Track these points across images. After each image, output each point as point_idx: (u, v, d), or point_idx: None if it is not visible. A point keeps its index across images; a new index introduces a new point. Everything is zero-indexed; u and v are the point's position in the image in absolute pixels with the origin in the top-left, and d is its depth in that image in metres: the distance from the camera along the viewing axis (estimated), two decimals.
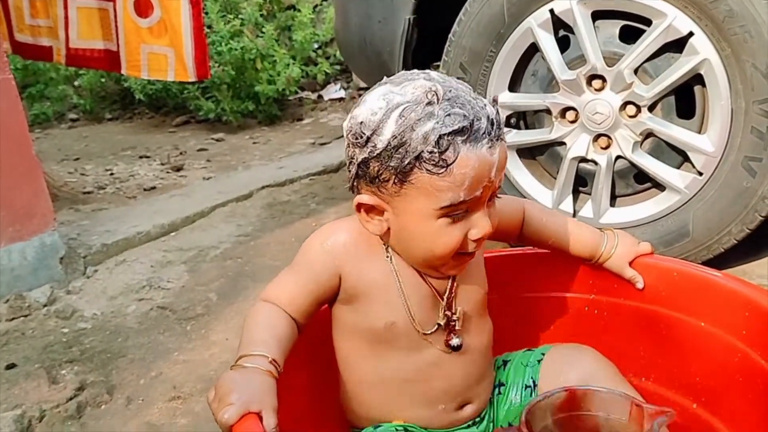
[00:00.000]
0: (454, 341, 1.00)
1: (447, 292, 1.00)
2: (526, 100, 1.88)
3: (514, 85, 1.90)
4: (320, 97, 4.90)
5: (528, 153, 1.94)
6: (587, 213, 1.85)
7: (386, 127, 0.85)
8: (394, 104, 0.86)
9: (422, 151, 0.84)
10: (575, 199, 1.90)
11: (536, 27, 1.80)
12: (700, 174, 1.69)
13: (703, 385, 1.15)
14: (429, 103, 0.85)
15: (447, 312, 1.00)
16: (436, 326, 1.00)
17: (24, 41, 2.87)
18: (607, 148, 1.81)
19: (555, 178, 1.89)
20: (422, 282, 0.98)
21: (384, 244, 0.98)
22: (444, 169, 0.85)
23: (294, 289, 0.99)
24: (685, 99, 1.72)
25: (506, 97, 1.88)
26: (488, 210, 0.93)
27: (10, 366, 1.73)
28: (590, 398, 1.00)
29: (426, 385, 1.02)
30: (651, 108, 1.72)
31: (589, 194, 1.87)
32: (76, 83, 4.94)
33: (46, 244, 2.11)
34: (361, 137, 0.87)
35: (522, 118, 1.95)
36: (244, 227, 2.58)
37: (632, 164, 1.79)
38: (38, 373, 1.67)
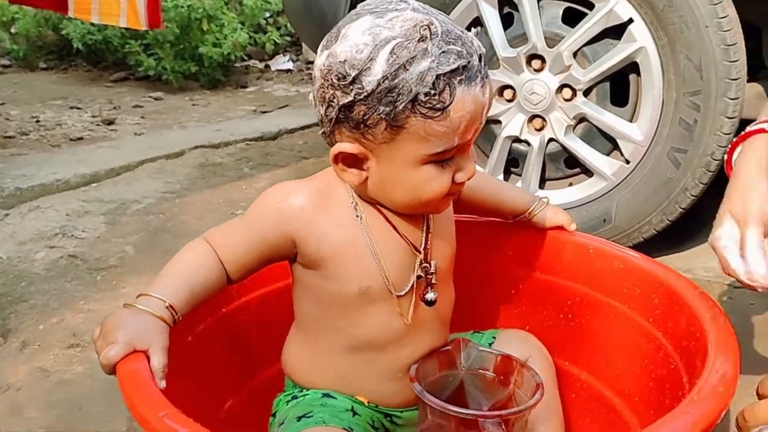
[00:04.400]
0: (430, 295, 0.94)
1: (423, 244, 0.94)
2: None
3: None
4: (267, 66, 4.82)
5: None
6: None
7: (375, 66, 0.76)
8: (382, 39, 0.77)
9: (418, 93, 0.77)
10: (506, 179, 1.89)
11: (481, 1, 1.78)
12: (628, 162, 1.70)
13: (608, 363, 1.15)
14: (422, 39, 0.76)
15: (425, 264, 0.94)
16: (412, 282, 0.93)
17: None
18: (541, 129, 1.81)
19: (488, 156, 1.88)
20: (396, 236, 0.92)
21: (353, 202, 0.91)
22: (440, 112, 0.78)
23: (238, 241, 0.92)
24: (621, 86, 1.73)
25: None
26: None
27: None
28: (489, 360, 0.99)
29: (394, 355, 0.96)
30: (586, 93, 1.73)
31: (520, 175, 1.87)
32: (12, 30, 4.73)
33: None
34: (345, 78, 0.78)
35: None
36: (172, 184, 2.50)
37: (564, 148, 1.79)
38: None
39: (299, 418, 0.93)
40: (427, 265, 0.94)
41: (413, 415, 1.00)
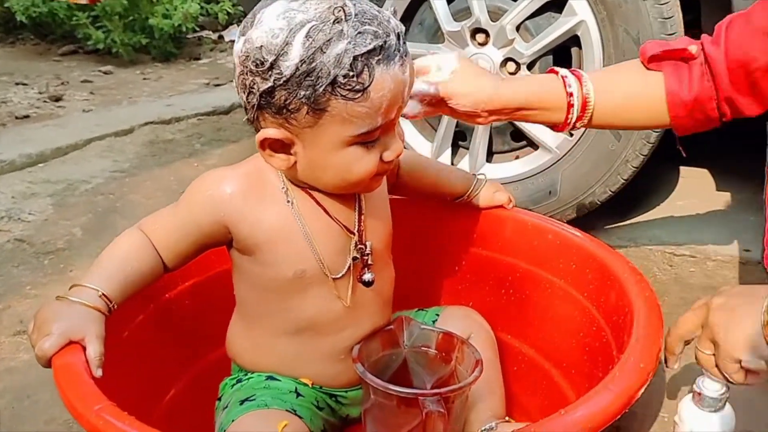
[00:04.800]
0: (367, 276, 0.96)
1: (356, 226, 0.94)
2: (412, 49, 1.83)
3: None
4: (221, 37, 4.73)
5: None
6: (465, 167, 1.86)
7: (292, 50, 0.76)
8: (297, 23, 0.76)
9: (336, 76, 0.76)
10: (454, 152, 1.91)
11: None
12: (571, 135, 1.72)
13: (547, 336, 1.18)
14: (337, 21, 0.76)
15: (360, 246, 0.95)
16: (348, 264, 0.94)
17: None
18: None
19: (436, 131, 1.89)
20: (329, 220, 0.92)
21: (283, 187, 0.91)
22: (361, 93, 0.78)
23: (172, 228, 0.92)
24: (563, 60, 1.75)
25: None
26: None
27: None
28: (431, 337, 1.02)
29: (335, 337, 0.97)
30: (530, 66, 1.74)
31: (468, 149, 1.88)
32: None
33: None
34: (263, 64, 0.77)
35: None
36: (121, 163, 2.46)
37: (509, 121, 1.80)
38: None
39: (242, 402, 0.94)
40: (363, 246, 0.95)
41: (358, 394, 1.02)
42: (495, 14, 1.73)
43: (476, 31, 1.76)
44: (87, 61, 4.05)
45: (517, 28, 1.71)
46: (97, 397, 0.77)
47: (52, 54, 4.20)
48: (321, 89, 0.77)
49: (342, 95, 0.78)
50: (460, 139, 1.91)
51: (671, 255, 1.73)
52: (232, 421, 0.91)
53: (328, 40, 0.76)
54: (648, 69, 1.10)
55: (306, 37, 0.76)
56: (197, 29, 4.50)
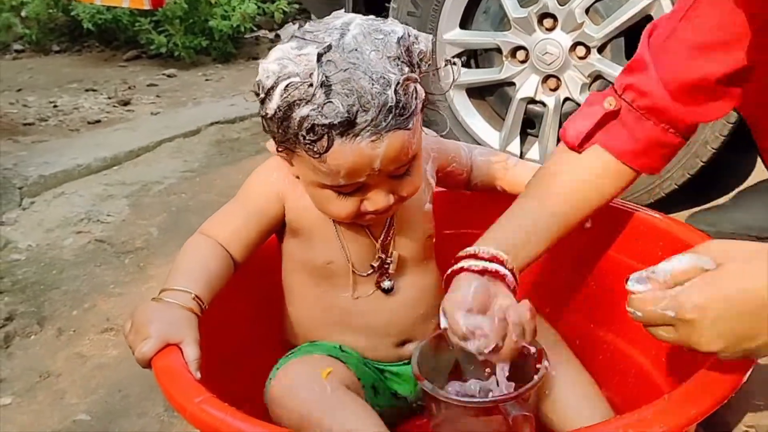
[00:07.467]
0: (385, 284, 1.00)
1: (382, 236, 0.98)
2: (477, 37, 1.84)
3: (465, 23, 1.85)
4: (278, 36, 4.77)
5: (478, 93, 1.91)
6: (534, 155, 1.84)
7: (273, 97, 0.82)
8: (284, 74, 0.81)
9: (298, 134, 0.82)
10: (523, 141, 1.89)
11: None
12: None
13: (635, 325, 1.13)
14: (312, 84, 0.79)
15: (381, 255, 0.98)
16: (371, 268, 0.99)
17: None
18: (555, 89, 1.79)
19: (503, 119, 1.87)
20: (358, 225, 0.96)
21: None
22: (318, 155, 0.82)
23: (238, 224, 0.97)
24: (636, 41, 1.70)
25: (457, 34, 1.84)
26: (396, 183, 0.89)
27: None
28: None
29: (365, 319, 1.01)
30: (600, 49, 1.71)
31: (537, 136, 1.86)
32: (22, 13, 4.73)
33: None
34: (258, 95, 0.85)
35: (473, 57, 1.91)
36: (190, 163, 2.52)
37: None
38: None
39: (286, 357, 0.99)
40: (383, 256, 0.99)
41: (404, 370, 1.04)
42: None
43: (543, 16, 1.73)
44: (151, 65, 4.15)
45: (587, 11, 1.68)
46: (198, 390, 0.79)
47: (117, 60, 4.32)
48: (289, 137, 0.83)
49: (304, 150, 0.83)
50: (529, 127, 1.89)
51: (755, 238, 1.67)
52: (277, 369, 0.95)
53: (300, 100, 0.80)
54: (580, 153, 1.02)
55: (284, 89, 0.81)
56: (254, 29, 4.56)
